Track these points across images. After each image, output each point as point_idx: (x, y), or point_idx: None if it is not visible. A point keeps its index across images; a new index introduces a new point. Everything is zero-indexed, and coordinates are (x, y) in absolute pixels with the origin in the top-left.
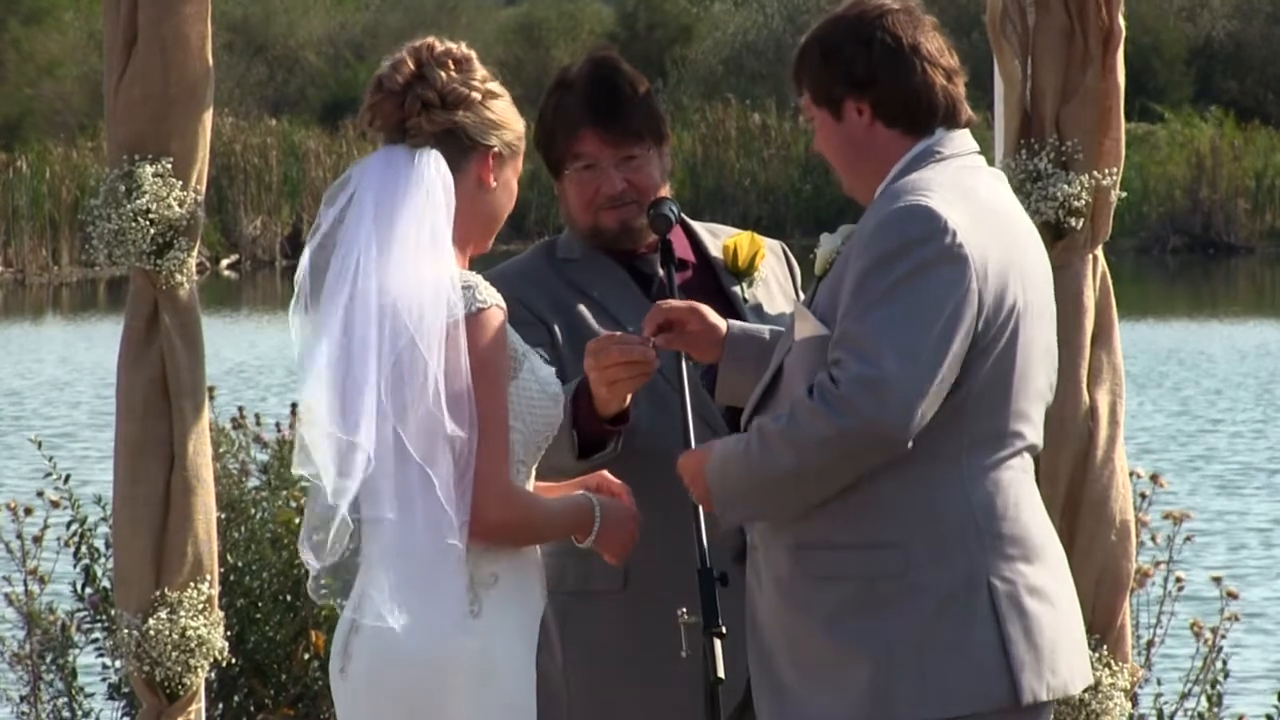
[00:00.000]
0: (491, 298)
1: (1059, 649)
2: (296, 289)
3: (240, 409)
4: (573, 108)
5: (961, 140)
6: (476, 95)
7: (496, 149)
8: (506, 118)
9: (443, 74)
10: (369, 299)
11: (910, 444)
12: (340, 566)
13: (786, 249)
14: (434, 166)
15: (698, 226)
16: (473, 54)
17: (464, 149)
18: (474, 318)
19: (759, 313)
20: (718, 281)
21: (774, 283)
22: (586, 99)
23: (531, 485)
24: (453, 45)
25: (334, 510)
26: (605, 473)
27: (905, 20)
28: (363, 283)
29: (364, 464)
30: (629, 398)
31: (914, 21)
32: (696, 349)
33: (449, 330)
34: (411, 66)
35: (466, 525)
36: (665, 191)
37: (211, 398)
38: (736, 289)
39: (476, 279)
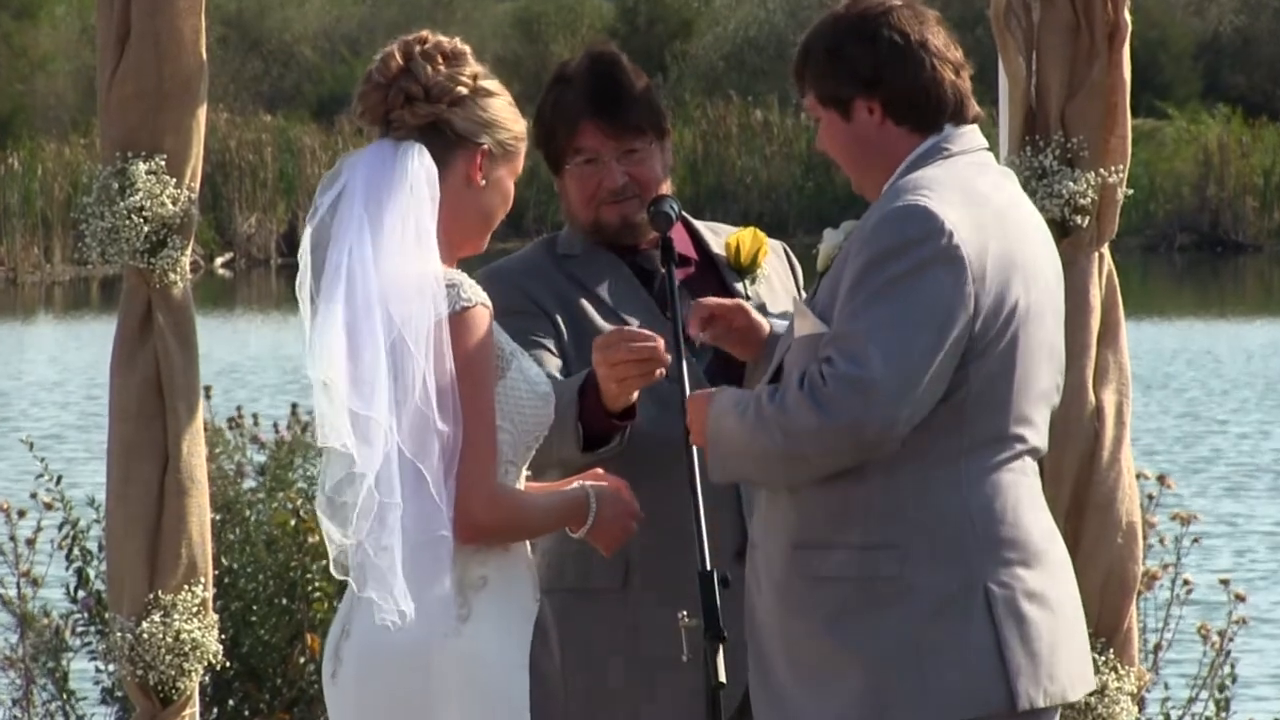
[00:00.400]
0: (476, 296)
1: (1058, 655)
2: (300, 266)
3: (239, 409)
4: (573, 102)
5: (970, 136)
6: (464, 90)
7: (486, 146)
8: (500, 116)
9: (429, 68)
10: (370, 291)
11: (897, 444)
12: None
13: (788, 249)
14: (416, 159)
15: (699, 225)
16: (466, 49)
17: (450, 144)
18: (458, 316)
19: (762, 311)
20: (720, 278)
21: (776, 281)
22: (587, 92)
23: (522, 483)
24: (444, 39)
25: (360, 480)
26: (599, 470)
27: (910, 16)
28: (360, 274)
29: (384, 435)
30: (636, 393)
31: (918, 16)
32: (741, 346)
33: (435, 327)
34: (399, 60)
35: (453, 523)
36: (667, 188)
37: (208, 397)
38: (739, 286)
39: (461, 277)
